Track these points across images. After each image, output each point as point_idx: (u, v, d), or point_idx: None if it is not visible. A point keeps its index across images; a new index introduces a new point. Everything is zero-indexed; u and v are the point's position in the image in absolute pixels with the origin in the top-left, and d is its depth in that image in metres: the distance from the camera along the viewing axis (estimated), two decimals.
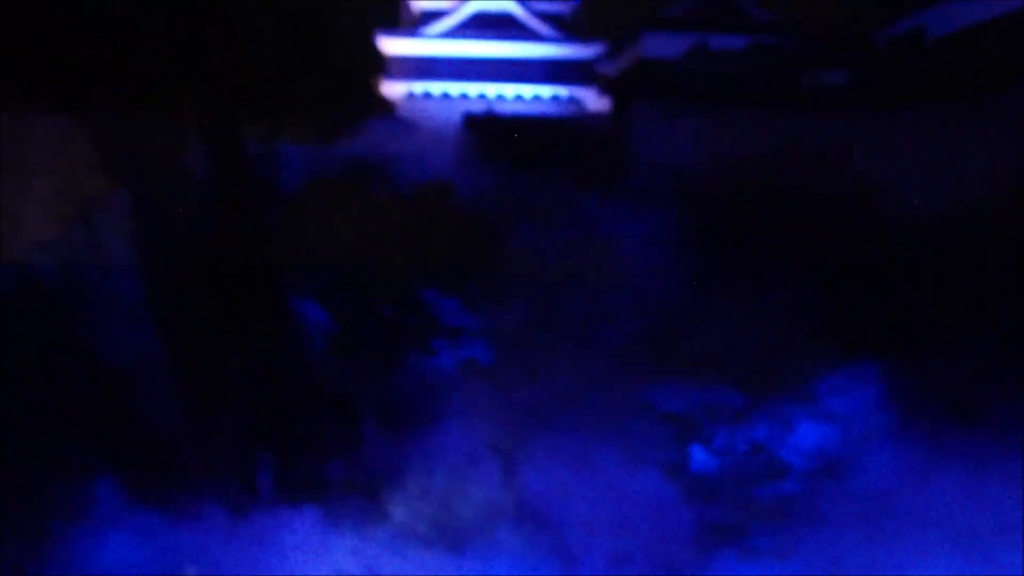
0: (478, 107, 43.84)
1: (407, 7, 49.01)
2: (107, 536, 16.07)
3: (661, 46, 33.00)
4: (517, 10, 47.14)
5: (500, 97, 48.05)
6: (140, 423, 18.37)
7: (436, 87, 48.96)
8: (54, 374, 17.82)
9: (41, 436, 16.90)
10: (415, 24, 48.15)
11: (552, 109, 46.35)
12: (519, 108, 46.34)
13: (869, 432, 16.39)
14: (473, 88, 49.13)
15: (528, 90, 49.10)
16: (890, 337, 18.62)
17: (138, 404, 18.41)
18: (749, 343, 17.07)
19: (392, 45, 47.89)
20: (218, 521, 17.17)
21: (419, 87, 48.92)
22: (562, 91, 49.27)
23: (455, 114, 40.47)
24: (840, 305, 18.52)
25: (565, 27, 47.89)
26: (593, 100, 47.91)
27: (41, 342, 17.93)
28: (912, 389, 17.54)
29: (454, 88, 48.12)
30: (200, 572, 9.98)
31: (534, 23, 47.28)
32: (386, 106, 46.86)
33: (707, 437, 17.36)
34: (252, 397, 20.08)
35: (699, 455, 17.49)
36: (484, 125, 31.82)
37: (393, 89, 48.00)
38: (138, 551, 15.77)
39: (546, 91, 49.32)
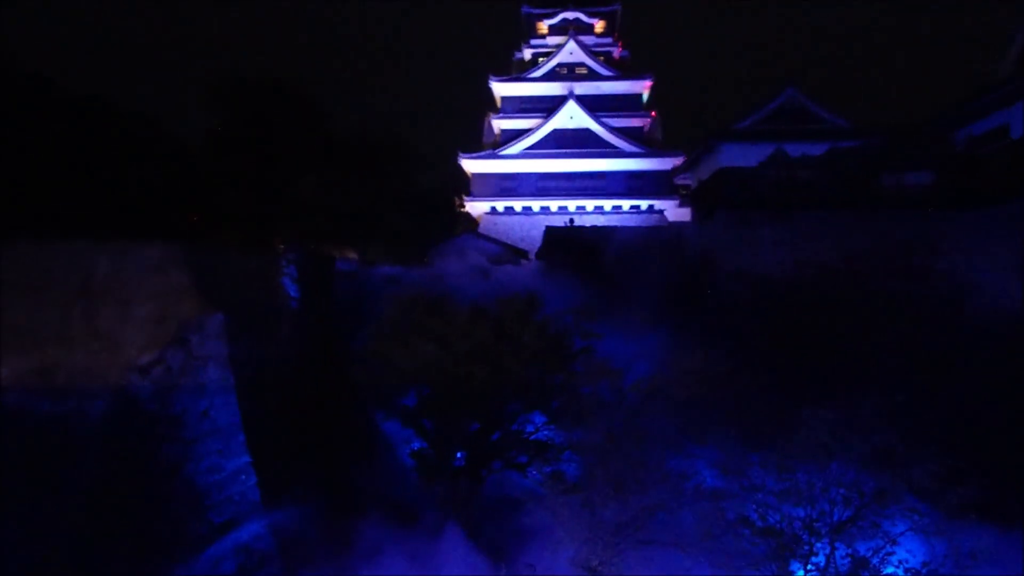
0: (559, 220, 44.60)
1: (488, 127, 50.82)
2: None
3: (739, 156, 33.39)
4: (595, 126, 48.38)
5: (581, 209, 48.88)
6: (228, 542, 18.57)
7: (518, 203, 50.10)
8: (148, 492, 18.26)
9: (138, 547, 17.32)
10: (496, 144, 49.76)
11: (633, 220, 46.83)
12: (600, 221, 46.92)
13: (978, 549, 15.30)
14: (554, 203, 50.13)
15: (608, 203, 49.88)
16: (992, 441, 17.70)
17: (227, 524, 18.64)
18: (845, 452, 16.29)
19: (474, 165, 49.48)
20: None
21: (501, 204, 50.16)
22: (642, 203, 49.86)
23: (537, 228, 41.12)
24: (937, 409, 17.70)
25: (642, 141, 48.85)
26: (673, 210, 48.32)
27: (137, 460, 18.47)
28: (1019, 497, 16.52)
29: (535, 203, 49.21)
30: None
31: (612, 138, 48.41)
32: (469, 223, 48.06)
33: (805, 554, 16.48)
34: (341, 511, 20.09)
35: (799, 573, 16.62)
36: (565, 238, 32.23)
37: (475, 207, 49.33)
38: None
39: (626, 203, 49.99)
